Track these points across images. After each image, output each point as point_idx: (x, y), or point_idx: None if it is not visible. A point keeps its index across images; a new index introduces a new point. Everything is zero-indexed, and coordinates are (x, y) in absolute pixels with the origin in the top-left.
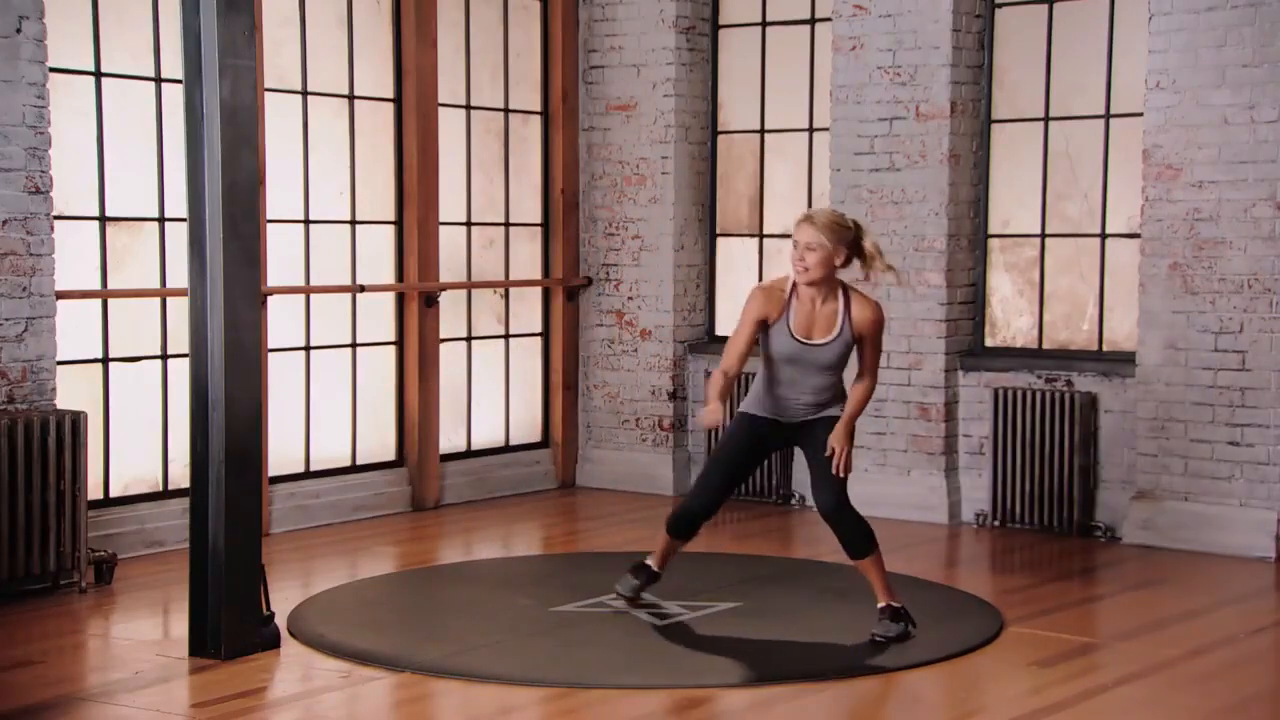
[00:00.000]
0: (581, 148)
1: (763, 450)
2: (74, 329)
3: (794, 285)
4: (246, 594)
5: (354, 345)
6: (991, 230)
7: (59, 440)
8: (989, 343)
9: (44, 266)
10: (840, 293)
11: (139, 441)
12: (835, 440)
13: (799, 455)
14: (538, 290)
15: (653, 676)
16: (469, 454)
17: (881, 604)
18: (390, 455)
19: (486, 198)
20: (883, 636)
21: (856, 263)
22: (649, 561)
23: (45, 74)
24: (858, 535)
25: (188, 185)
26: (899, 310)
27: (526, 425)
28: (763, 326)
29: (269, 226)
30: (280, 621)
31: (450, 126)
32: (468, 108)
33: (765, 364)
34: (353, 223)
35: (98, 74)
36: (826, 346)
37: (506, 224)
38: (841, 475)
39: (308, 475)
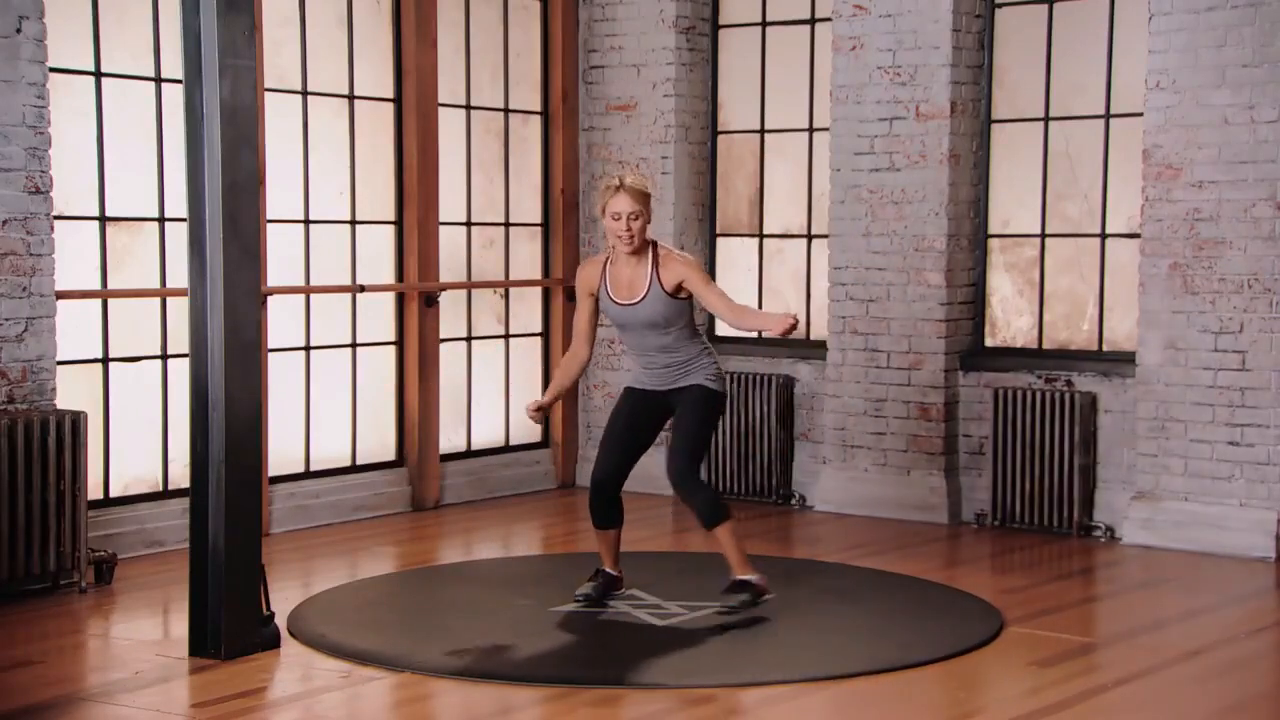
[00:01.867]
0: (581, 148)
1: (647, 419)
2: (74, 329)
3: (609, 254)
4: (246, 594)
5: (354, 345)
6: (991, 230)
7: (59, 440)
8: (989, 343)
9: (44, 266)
10: (650, 252)
11: (139, 441)
12: (780, 321)
13: (799, 454)
14: (538, 290)
15: (653, 676)
16: (469, 454)
17: (733, 577)
18: (390, 455)
19: (486, 198)
20: (728, 608)
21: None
22: (603, 566)
23: (45, 74)
24: (704, 506)
25: (188, 185)
26: (899, 310)
27: (526, 425)
28: (593, 300)
29: (269, 226)
30: (280, 621)
31: (450, 126)
32: (468, 108)
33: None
34: (353, 223)
35: (98, 74)
36: (642, 303)
37: (506, 224)
38: (788, 324)
39: (308, 475)
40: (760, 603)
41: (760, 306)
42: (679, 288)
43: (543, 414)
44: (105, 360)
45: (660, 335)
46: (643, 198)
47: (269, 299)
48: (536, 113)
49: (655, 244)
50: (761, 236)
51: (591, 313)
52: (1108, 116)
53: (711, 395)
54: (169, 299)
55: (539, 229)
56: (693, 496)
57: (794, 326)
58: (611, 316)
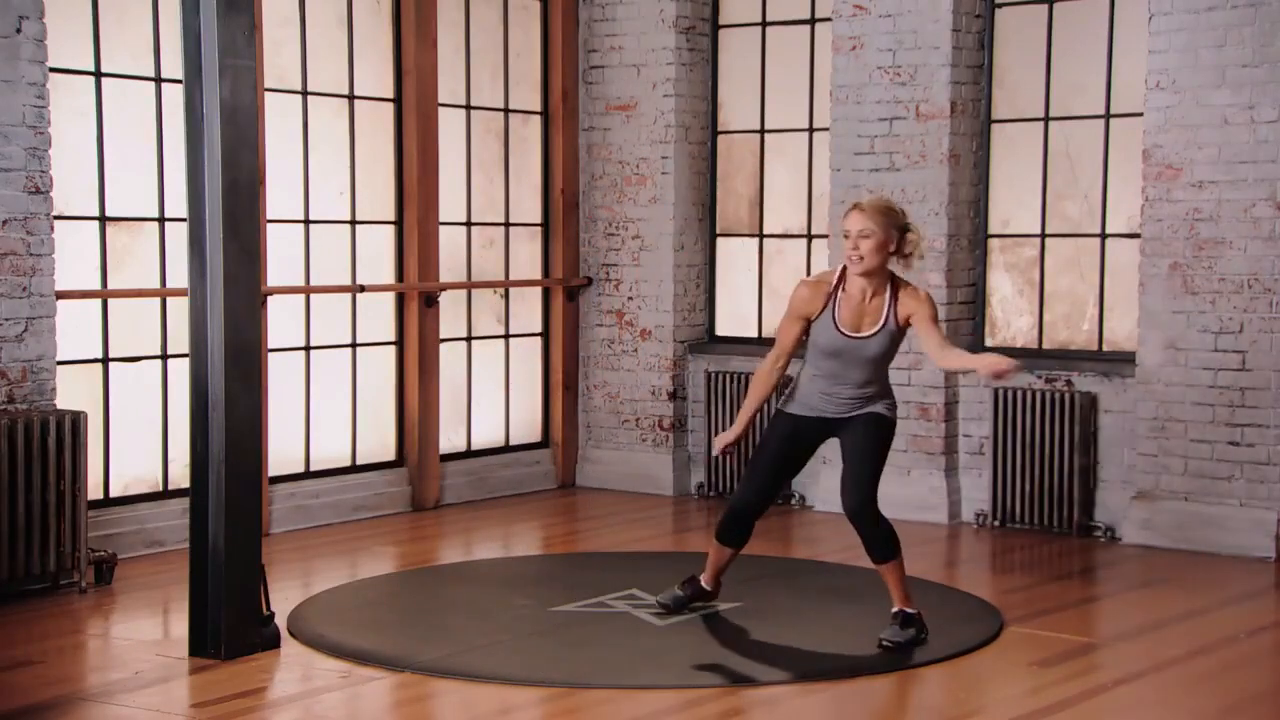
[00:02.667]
0: (581, 148)
1: (803, 447)
2: (74, 329)
3: (840, 278)
4: (246, 594)
5: (354, 345)
6: (991, 230)
7: (59, 440)
8: (989, 343)
9: (44, 266)
10: (889, 285)
11: (139, 441)
12: (997, 366)
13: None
14: (538, 290)
15: (653, 676)
16: (469, 454)
17: (896, 609)
18: (390, 455)
19: (486, 198)
20: (890, 641)
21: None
22: (700, 576)
23: (45, 74)
24: (880, 539)
25: (188, 185)
26: None
27: (526, 425)
28: (806, 323)
29: (269, 226)
30: (280, 621)
31: (450, 126)
32: (468, 108)
33: (810, 359)
34: (353, 223)
35: (98, 74)
36: (872, 339)
37: (506, 224)
38: (1006, 369)
39: (308, 475)
40: (923, 640)
41: (760, 306)
42: (907, 321)
43: (734, 448)
44: (105, 360)
45: (870, 370)
46: (881, 216)
47: (269, 299)
48: (536, 113)
49: (894, 278)
50: (761, 236)
51: (797, 336)
52: (1108, 116)
53: (888, 424)
54: (169, 299)
55: (539, 229)
56: (872, 530)
57: (1007, 370)
58: (826, 344)
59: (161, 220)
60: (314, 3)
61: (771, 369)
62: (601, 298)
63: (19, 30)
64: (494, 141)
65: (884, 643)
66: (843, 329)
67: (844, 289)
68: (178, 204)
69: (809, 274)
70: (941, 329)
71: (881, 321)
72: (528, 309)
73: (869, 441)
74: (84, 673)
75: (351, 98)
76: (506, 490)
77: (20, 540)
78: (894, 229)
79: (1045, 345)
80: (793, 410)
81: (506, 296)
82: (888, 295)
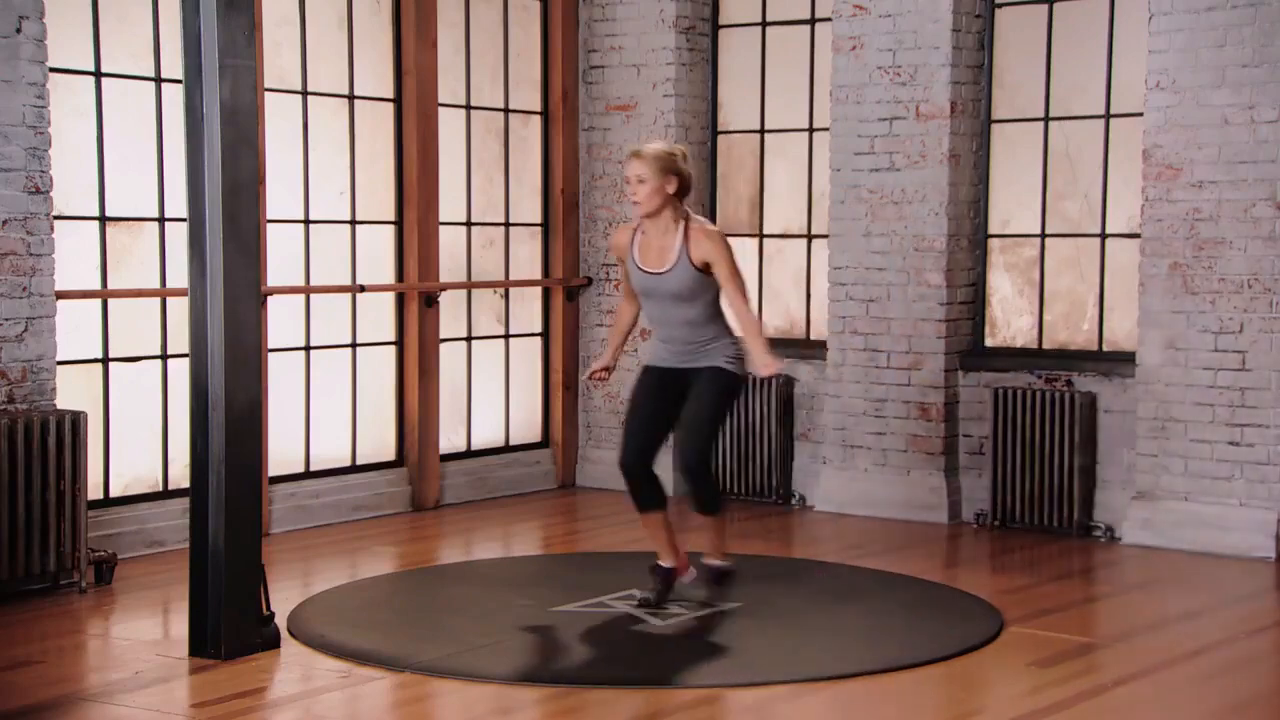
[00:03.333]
0: (581, 148)
1: (668, 397)
2: (74, 329)
3: (640, 221)
4: (246, 594)
5: (354, 345)
6: (991, 230)
7: (59, 440)
8: (989, 343)
9: (44, 266)
10: (682, 224)
11: (139, 441)
12: (766, 372)
13: (799, 454)
14: (538, 290)
15: (653, 676)
16: (469, 454)
17: (705, 561)
18: (390, 455)
19: (486, 198)
20: (698, 585)
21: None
22: (659, 562)
23: (45, 74)
24: (709, 494)
25: (188, 185)
26: (899, 310)
27: (526, 425)
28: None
29: (269, 226)
30: (280, 621)
31: (450, 126)
32: (468, 108)
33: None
34: (353, 223)
35: (98, 74)
36: (669, 274)
37: (506, 224)
38: (769, 374)
39: (308, 475)
40: (730, 582)
41: (760, 307)
42: (705, 265)
43: (608, 374)
44: (105, 360)
45: (684, 308)
46: (655, 162)
47: (269, 299)
48: (536, 113)
49: (689, 217)
50: (761, 236)
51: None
52: (1108, 116)
53: (729, 378)
54: (169, 299)
55: (539, 229)
56: (703, 485)
57: (773, 373)
58: (636, 283)
59: (161, 220)
60: (314, 3)
61: (622, 306)
62: (601, 298)
63: (19, 30)
64: (494, 141)
65: (694, 583)
66: (643, 266)
67: (642, 230)
68: (178, 204)
69: (809, 274)
70: (739, 282)
71: (675, 258)
72: (528, 309)
73: (709, 396)
74: (84, 673)
75: (351, 98)
76: (506, 490)
77: (20, 540)
78: (670, 173)
79: (1045, 345)
80: (649, 362)
81: (506, 296)
82: (679, 234)
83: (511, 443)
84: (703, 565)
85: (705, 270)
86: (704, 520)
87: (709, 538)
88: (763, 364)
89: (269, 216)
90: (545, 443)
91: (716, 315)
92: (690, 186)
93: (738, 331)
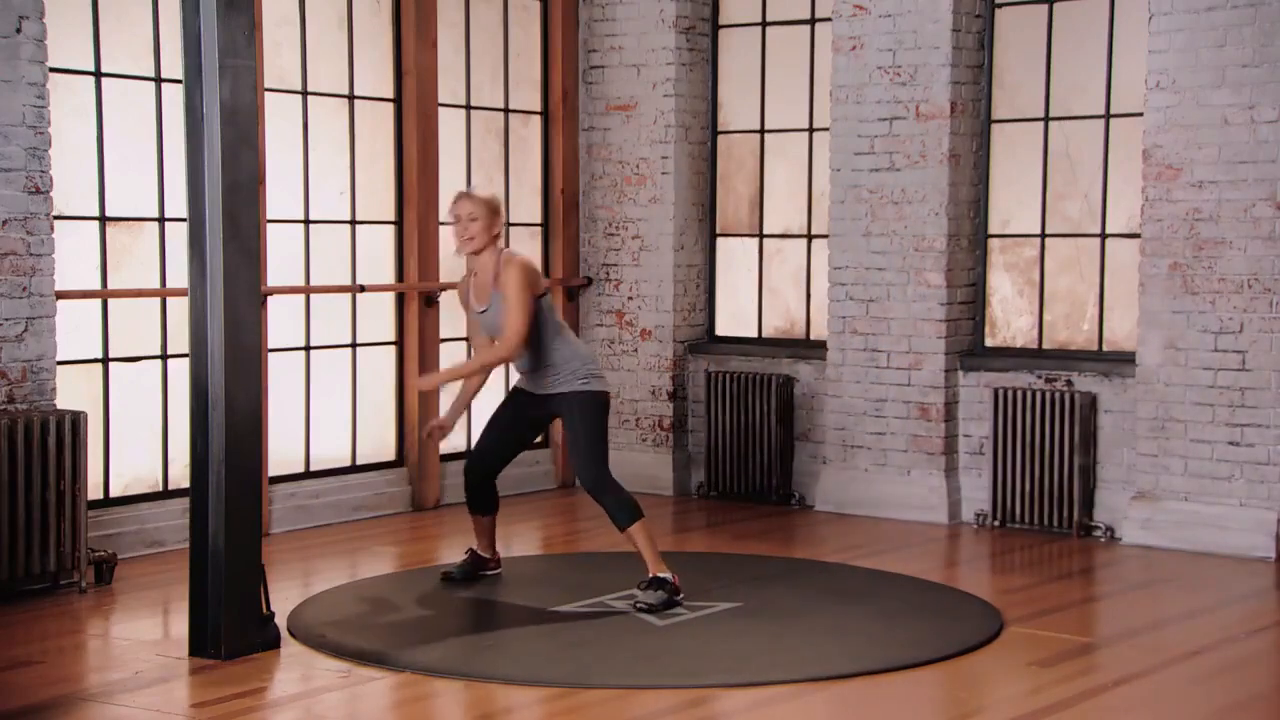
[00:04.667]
0: (581, 148)
1: (525, 417)
2: (74, 329)
3: (471, 264)
4: (246, 594)
5: (354, 345)
6: (991, 230)
7: (59, 440)
8: (989, 343)
9: (44, 266)
10: (496, 259)
11: (139, 441)
12: (420, 380)
13: (799, 454)
14: None
15: (653, 676)
16: (469, 454)
17: (649, 575)
18: (390, 455)
19: None
20: (644, 604)
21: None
22: (475, 548)
23: (45, 74)
24: (618, 508)
25: (188, 185)
26: (899, 310)
27: None
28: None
29: (269, 226)
30: (280, 621)
31: (450, 126)
32: (468, 108)
33: None
34: (353, 223)
35: (98, 74)
36: (488, 312)
37: (506, 224)
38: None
39: (308, 475)
40: (677, 601)
41: (760, 306)
42: (503, 293)
43: (444, 432)
44: (105, 360)
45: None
46: (486, 203)
47: (269, 299)
48: (536, 113)
49: (501, 252)
50: (761, 236)
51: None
52: (1108, 116)
53: (587, 397)
54: (169, 299)
55: (539, 229)
56: (604, 499)
57: (435, 431)
58: (470, 326)
59: (161, 220)
60: (314, 3)
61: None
62: (601, 298)
63: (19, 30)
64: (494, 141)
65: (638, 605)
66: (475, 307)
67: (473, 273)
68: (178, 204)
69: (809, 274)
70: (516, 315)
71: (492, 293)
72: None
73: (578, 423)
74: (84, 673)
75: (351, 98)
76: (506, 490)
77: (20, 540)
78: (493, 212)
79: (1045, 345)
80: (516, 383)
81: None
82: (492, 271)
83: None
84: (650, 578)
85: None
86: (626, 536)
87: (643, 554)
88: (421, 378)
89: (269, 216)
90: (545, 443)
91: (555, 339)
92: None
93: (578, 350)
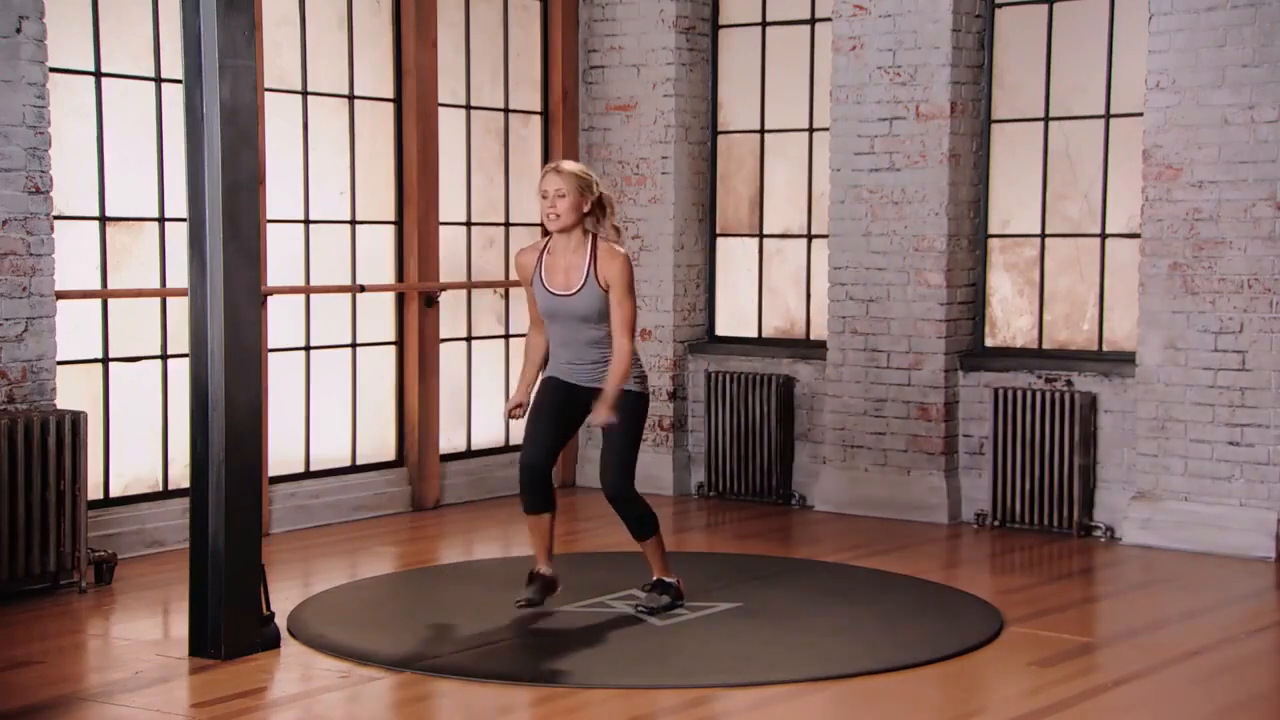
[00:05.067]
0: (581, 148)
1: (568, 410)
2: (74, 329)
3: (548, 241)
4: (246, 594)
5: (354, 345)
6: (991, 230)
7: (59, 440)
8: (989, 343)
9: (44, 266)
10: (590, 244)
11: (139, 441)
12: (596, 420)
13: (799, 454)
14: None
15: (653, 676)
16: (469, 454)
17: (655, 578)
18: (390, 455)
19: (486, 198)
20: (645, 607)
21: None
22: (538, 568)
23: (45, 74)
24: (639, 519)
25: (188, 185)
26: (899, 310)
27: None
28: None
29: (269, 226)
30: (280, 621)
31: (450, 126)
32: (468, 108)
33: (546, 329)
34: (353, 223)
35: (98, 74)
36: (576, 296)
37: (506, 224)
38: (613, 431)
39: (308, 475)
40: (679, 605)
41: (760, 306)
42: (608, 284)
43: (523, 410)
44: (105, 360)
45: (589, 330)
46: (575, 179)
47: (269, 299)
48: (536, 113)
49: (596, 238)
50: (761, 236)
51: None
52: (1108, 116)
53: (634, 399)
54: (169, 299)
55: (539, 229)
56: (631, 510)
57: (606, 426)
58: (541, 305)
59: (161, 220)
60: (314, 3)
61: (532, 336)
62: None
63: (19, 30)
64: (494, 141)
65: (639, 609)
66: (550, 288)
67: (549, 251)
68: (178, 204)
69: (809, 274)
70: (629, 310)
71: (583, 279)
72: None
73: (624, 425)
74: (84, 673)
75: (351, 98)
76: (506, 490)
77: (20, 540)
78: (586, 190)
79: (1045, 345)
80: (548, 372)
81: (506, 296)
82: (588, 254)
83: (512, 443)
84: (655, 580)
85: (607, 293)
86: (642, 545)
87: (653, 561)
88: (598, 412)
89: (269, 216)
90: None
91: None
92: (607, 208)
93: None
